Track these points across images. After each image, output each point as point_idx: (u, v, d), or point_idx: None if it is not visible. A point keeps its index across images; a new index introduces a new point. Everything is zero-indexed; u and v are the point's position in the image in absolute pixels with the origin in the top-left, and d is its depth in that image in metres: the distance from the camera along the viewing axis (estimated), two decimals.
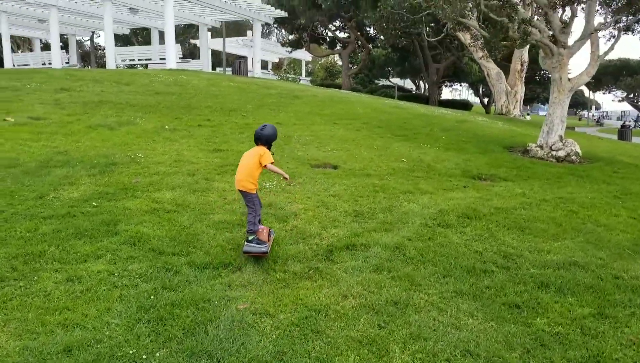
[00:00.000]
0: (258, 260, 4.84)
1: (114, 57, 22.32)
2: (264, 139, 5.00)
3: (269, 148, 5.02)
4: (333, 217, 6.32)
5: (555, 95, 11.91)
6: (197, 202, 6.53)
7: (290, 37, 35.26)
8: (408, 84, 59.44)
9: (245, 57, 26.87)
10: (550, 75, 11.82)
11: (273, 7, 27.79)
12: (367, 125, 13.73)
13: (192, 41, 44.57)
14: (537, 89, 53.70)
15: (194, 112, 12.16)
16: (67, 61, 25.21)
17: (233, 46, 42.17)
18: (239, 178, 4.91)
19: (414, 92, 43.89)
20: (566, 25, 11.20)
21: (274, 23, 33.00)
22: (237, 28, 46.17)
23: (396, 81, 51.78)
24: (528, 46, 27.84)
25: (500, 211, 7.01)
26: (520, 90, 27.43)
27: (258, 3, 26.45)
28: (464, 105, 36.89)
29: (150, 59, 22.84)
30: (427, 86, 39.14)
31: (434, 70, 35.87)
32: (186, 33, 45.75)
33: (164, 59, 21.45)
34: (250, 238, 4.84)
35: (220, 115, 12.24)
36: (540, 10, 11.56)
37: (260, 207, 5.12)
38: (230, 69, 29.85)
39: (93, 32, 34.48)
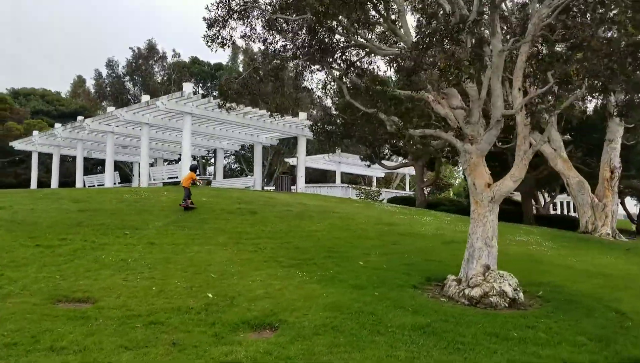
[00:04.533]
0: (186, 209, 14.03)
1: (148, 176, 23.24)
2: (190, 169, 16.27)
3: (195, 172, 15.88)
4: None
5: (473, 208, 8.48)
6: None
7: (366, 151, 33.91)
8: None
9: (288, 173, 26.17)
10: None
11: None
12: (282, 246, 11.40)
13: (286, 160, 45.92)
14: None
15: (69, 231, 11.22)
16: (119, 181, 27.26)
17: (319, 161, 42.33)
18: (182, 181, 16.02)
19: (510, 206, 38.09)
20: (469, 113, 8.11)
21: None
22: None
23: None
24: (618, 149, 22.63)
25: None
26: (612, 203, 21.85)
27: (301, 120, 26.15)
28: (571, 222, 30.30)
29: (177, 177, 23.38)
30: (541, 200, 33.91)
31: (527, 180, 31.03)
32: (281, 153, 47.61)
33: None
34: (183, 202, 14.17)
35: (94, 234, 11.07)
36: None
37: (190, 193, 14.47)
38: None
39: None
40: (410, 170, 49.83)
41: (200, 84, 60.53)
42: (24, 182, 37.15)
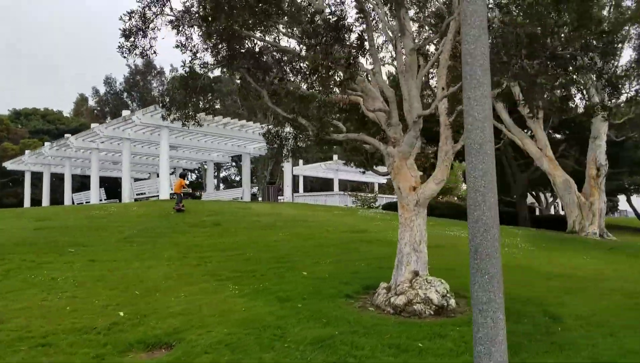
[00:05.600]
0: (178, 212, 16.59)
1: (130, 191, 23.21)
2: (180, 176, 20.44)
3: (184, 180, 19.15)
4: None
5: (400, 212, 8.17)
6: None
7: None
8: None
9: (274, 183, 26.04)
10: None
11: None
12: (231, 258, 11.19)
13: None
14: None
15: (14, 250, 11.16)
16: (105, 197, 27.30)
17: (318, 169, 42.16)
18: (174, 188, 18.51)
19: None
20: (390, 115, 7.82)
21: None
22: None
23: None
24: (603, 146, 21.99)
25: None
26: (599, 201, 21.18)
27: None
28: (560, 222, 28.53)
29: (157, 191, 23.31)
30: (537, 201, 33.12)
31: (521, 181, 30.43)
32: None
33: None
34: (176, 206, 16.84)
35: (37, 253, 10.97)
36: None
37: (182, 197, 17.34)
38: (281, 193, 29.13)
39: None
40: None
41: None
42: (23, 201, 37.57)
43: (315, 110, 7.93)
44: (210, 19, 6.41)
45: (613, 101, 20.90)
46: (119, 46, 8.28)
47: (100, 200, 25.93)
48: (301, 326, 6.76)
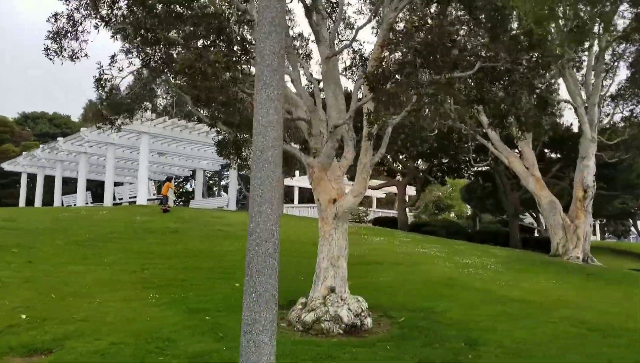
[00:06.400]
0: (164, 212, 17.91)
1: (112, 195, 23.28)
2: (167, 179, 22.11)
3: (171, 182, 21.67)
4: None
5: (319, 226, 7.92)
6: None
7: None
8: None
9: None
10: None
11: None
12: (172, 266, 11.07)
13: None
14: None
15: None
16: (91, 200, 27.44)
17: (305, 180, 41.89)
18: (162, 191, 20.40)
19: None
20: (311, 125, 7.62)
21: None
22: None
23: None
24: (591, 167, 21.39)
25: None
26: (584, 224, 20.52)
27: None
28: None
29: (135, 196, 23.28)
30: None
31: (513, 200, 29.85)
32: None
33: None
34: (163, 206, 18.72)
35: None
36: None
37: (167, 199, 19.52)
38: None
39: None
40: (411, 190, 48.78)
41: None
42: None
43: (238, 115, 7.80)
44: (107, 19, 6.32)
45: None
46: (44, 48, 8.19)
47: (87, 203, 26.03)
48: (192, 339, 6.53)
